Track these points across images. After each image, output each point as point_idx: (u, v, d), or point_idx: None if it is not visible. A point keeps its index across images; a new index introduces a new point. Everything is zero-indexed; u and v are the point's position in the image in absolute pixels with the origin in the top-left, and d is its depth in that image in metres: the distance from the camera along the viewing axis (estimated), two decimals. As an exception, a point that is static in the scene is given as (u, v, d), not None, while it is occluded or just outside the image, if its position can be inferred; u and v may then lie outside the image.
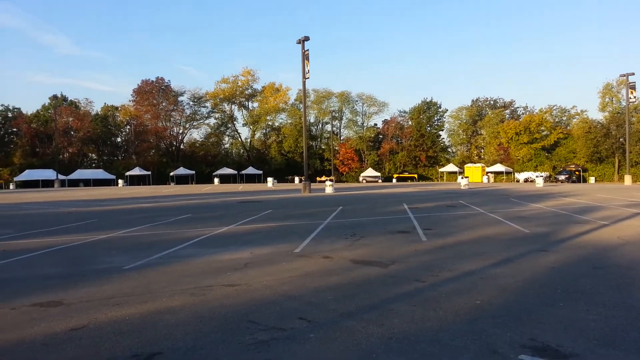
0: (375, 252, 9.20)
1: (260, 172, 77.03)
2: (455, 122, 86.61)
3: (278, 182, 63.44)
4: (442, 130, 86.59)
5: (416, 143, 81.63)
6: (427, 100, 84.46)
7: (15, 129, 76.46)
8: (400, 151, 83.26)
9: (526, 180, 61.32)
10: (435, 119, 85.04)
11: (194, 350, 4.22)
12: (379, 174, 74.83)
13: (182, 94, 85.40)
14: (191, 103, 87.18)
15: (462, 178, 43.96)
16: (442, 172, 77.83)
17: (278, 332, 4.65)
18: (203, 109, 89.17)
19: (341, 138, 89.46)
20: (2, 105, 77.21)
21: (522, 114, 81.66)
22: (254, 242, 10.70)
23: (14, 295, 6.27)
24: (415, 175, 76.29)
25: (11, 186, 64.22)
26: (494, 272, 7.37)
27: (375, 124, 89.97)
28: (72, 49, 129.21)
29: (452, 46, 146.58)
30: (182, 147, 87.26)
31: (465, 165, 71.90)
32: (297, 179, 70.74)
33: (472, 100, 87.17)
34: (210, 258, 8.79)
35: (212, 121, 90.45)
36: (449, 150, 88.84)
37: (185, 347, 4.28)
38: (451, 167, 76.32)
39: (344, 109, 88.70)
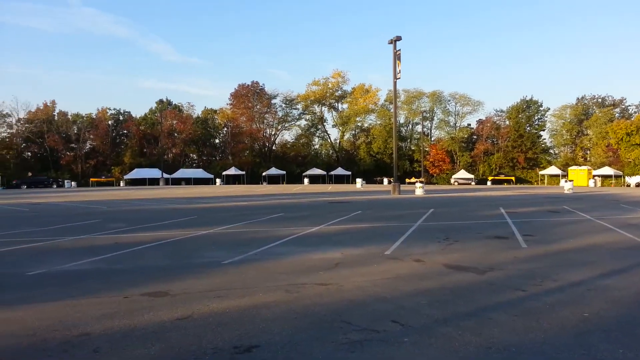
0: (470, 257, 8.86)
1: (349, 173, 77.43)
2: (558, 122, 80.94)
3: (367, 183, 63.34)
4: (543, 130, 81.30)
5: (514, 144, 77.44)
6: (527, 99, 79.81)
7: (125, 131, 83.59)
8: (495, 152, 79.52)
9: (638, 185, 55.83)
10: (536, 118, 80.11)
11: (290, 345, 4.33)
12: (472, 176, 72.08)
13: (275, 97, 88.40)
14: (283, 105, 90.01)
15: (565, 181, 41.02)
16: (543, 175, 73.12)
17: (371, 334, 4.63)
18: (294, 111, 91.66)
19: (432, 139, 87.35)
20: (114, 109, 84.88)
21: (635, 112, 74.45)
22: (344, 242, 10.76)
23: (126, 285, 6.83)
24: (513, 178, 72.46)
25: (121, 183, 70.28)
26: (603, 283, 6.78)
27: (469, 124, 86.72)
28: (177, 57, 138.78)
29: (555, 42, 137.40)
30: (274, 148, 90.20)
31: (569, 168, 66.94)
32: (386, 180, 70.16)
33: (578, 99, 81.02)
34: (303, 257, 8.98)
35: (302, 123, 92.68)
36: (551, 151, 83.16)
37: (282, 342, 4.40)
38: (553, 170, 71.42)
39: (435, 109, 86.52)
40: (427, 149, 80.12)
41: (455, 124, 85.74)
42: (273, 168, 77.44)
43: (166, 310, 5.45)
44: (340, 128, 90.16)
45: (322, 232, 12.57)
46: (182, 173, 74.39)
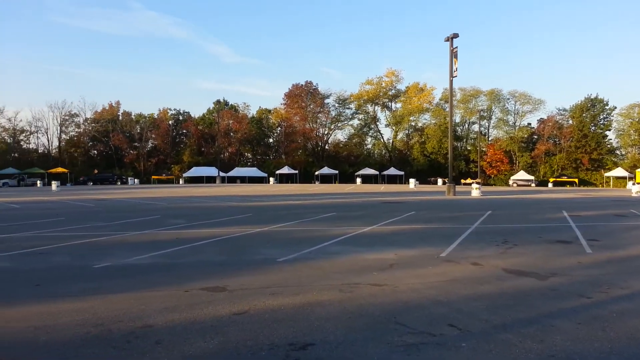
0: (530, 262, 8.52)
1: (402, 173, 76.57)
2: (625, 121, 76.25)
3: (420, 183, 62.39)
4: (609, 130, 76.88)
5: (577, 144, 73.83)
6: (592, 97, 75.85)
7: (185, 131, 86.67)
8: (557, 153, 76.14)
9: None
10: (601, 117, 75.98)
11: (344, 345, 4.33)
12: (532, 178, 69.38)
13: (328, 97, 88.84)
14: (336, 105, 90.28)
15: (633, 184, 38.68)
16: (608, 177, 69.28)
17: (427, 337, 4.55)
18: (347, 111, 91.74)
19: (489, 138, 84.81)
20: (175, 109, 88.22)
21: None
22: (398, 243, 10.65)
23: (187, 279, 7.07)
24: (576, 180, 69.14)
25: (181, 181, 72.88)
26: (680, 294, 6.33)
27: (529, 124, 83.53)
28: (234, 58, 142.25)
29: (622, 39, 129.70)
30: (326, 147, 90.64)
31: (637, 170, 63.01)
32: (440, 180, 68.80)
33: (647, 97, 76.04)
34: (356, 256, 8.96)
35: (355, 122, 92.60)
36: (617, 152, 78.57)
37: (337, 341, 4.41)
38: (619, 172, 67.49)
39: (493, 107, 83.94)
40: (484, 149, 77.87)
41: (514, 123, 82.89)
42: (325, 167, 77.82)
43: (224, 305, 5.60)
44: (394, 127, 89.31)
45: (375, 232, 12.50)
46: (237, 171, 76.20)
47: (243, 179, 74.41)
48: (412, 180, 52.60)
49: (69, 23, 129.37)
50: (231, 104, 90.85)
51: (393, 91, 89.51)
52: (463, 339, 4.55)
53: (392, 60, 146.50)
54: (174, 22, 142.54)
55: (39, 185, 61.65)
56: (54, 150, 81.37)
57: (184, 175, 74.65)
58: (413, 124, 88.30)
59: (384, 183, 73.24)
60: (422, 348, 4.27)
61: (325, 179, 76.23)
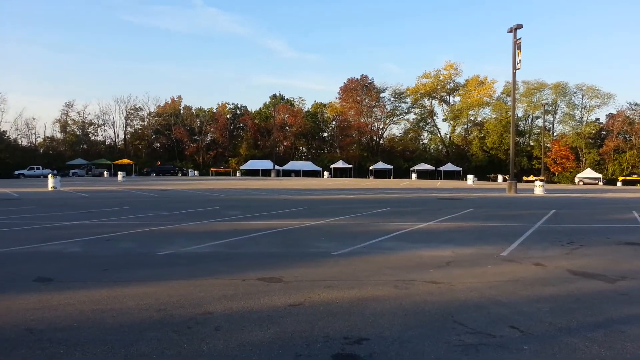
0: (597, 264, 8.07)
1: (460, 169, 74.68)
2: None
3: (478, 180, 60.63)
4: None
5: (650, 141, 69.20)
6: (668, 90, 70.70)
7: (242, 124, 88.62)
8: (628, 150, 71.64)
9: None
10: (678, 112, 70.75)
11: (400, 341, 4.27)
12: (599, 176, 65.68)
13: (383, 91, 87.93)
14: (392, 99, 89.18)
15: None
16: (686, 176, 64.49)
17: (487, 338, 4.41)
18: (403, 105, 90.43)
19: (554, 134, 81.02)
20: (232, 103, 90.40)
21: None
22: (455, 240, 10.39)
23: (244, 269, 7.23)
24: (647, 179, 64.87)
25: (237, 174, 74.65)
26: None
27: (597, 119, 79.02)
28: (290, 53, 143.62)
29: None
30: (381, 142, 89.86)
31: None
32: (500, 177, 66.54)
33: None
34: (411, 253, 8.83)
35: (411, 116, 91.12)
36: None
37: (392, 337, 4.36)
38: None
39: (558, 101, 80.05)
40: (548, 145, 74.53)
41: (581, 118, 78.71)
42: (380, 162, 77.21)
43: (280, 296, 5.68)
44: (451, 122, 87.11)
45: (431, 229, 12.27)
46: (292, 165, 77.08)
47: (297, 173, 75.16)
48: (470, 177, 51.17)
49: (135, 20, 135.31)
50: (287, 98, 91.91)
51: (451, 84, 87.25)
52: (525, 341, 4.37)
53: (451, 52, 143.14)
54: (233, 18, 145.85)
55: (105, 175, 65.12)
56: (119, 143, 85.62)
57: (241, 168, 76.38)
58: (472, 118, 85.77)
59: (440, 179, 71.74)
60: (481, 349, 4.15)
61: (380, 174, 75.61)
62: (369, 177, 72.61)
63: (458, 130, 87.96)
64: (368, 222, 13.34)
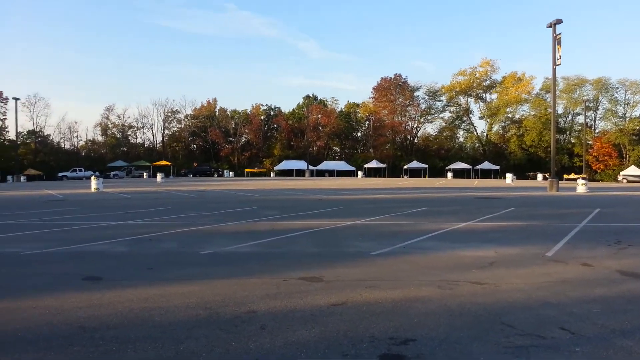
0: (651, 264, 7.73)
1: (497, 167, 73.06)
2: None
3: (517, 178, 59.12)
4: None
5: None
6: None
7: (275, 125, 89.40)
8: (676, 146, 68.50)
9: None
10: None
11: (447, 342, 4.20)
12: (644, 173, 63.02)
13: (417, 89, 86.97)
14: (426, 97, 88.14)
15: None
16: None
17: (537, 340, 4.28)
18: (438, 103, 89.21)
19: (596, 131, 78.25)
20: (266, 105, 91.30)
21: None
22: (497, 240, 10.16)
23: (284, 268, 7.27)
24: (697, 176, 61.79)
25: (272, 174, 75.35)
26: None
27: (642, 114, 75.78)
28: (322, 54, 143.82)
29: None
30: (416, 141, 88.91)
31: None
32: (539, 175, 64.71)
33: None
34: (453, 253, 8.68)
35: (446, 115, 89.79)
36: None
37: (439, 338, 4.29)
38: None
39: (600, 97, 77.28)
40: (589, 142, 72.03)
41: (624, 114, 75.70)
42: (415, 161, 76.40)
43: (322, 296, 5.68)
44: (488, 120, 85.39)
45: (471, 229, 12.04)
46: (325, 165, 77.21)
47: (331, 173, 75.22)
48: (508, 175, 49.94)
49: (171, 25, 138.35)
50: (320, 99, 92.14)
51: (488, 82, 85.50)
52: (577, 343, 4.23)
53: (487, 49, 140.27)
54: (265, 21, 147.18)
55: (145, 177, 66.90)
56: (158, 145, 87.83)
57: (275, 168, 77.04)
58: (510, 115, 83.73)
59: (477, 178, 70.37)
60: (532, 351, 4.03)
61: (414, 173, 74.79)
62: (403, 177, 71.95)
63: (495, 128, 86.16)
64: (405, 222, 13.20)
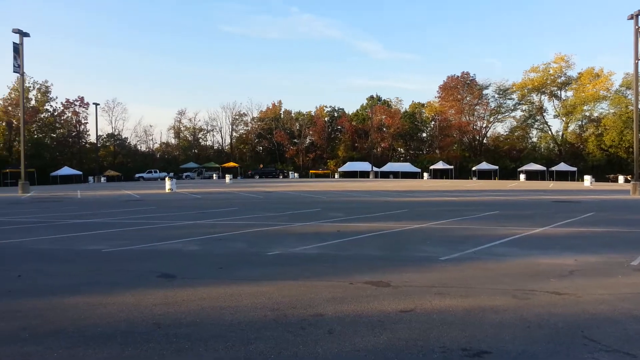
0: None
1: (574, 169, 69.00)
2: None
3: (596, 181, 55.53)
4: None
5: None
6: None
7: (339, 127, 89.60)
8: None
9: None
10: None
11: (524, 356, 3.97)
12: None
13: (486, 87, 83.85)
14: (496, 96, 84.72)
15: None
16: None
17: (625, 357, 3.95)
18: (509, 101, 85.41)
19: (686, 129, 71.92)
20: (330, 106, 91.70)
21: None
22: (576, 247, 9.55)
23: (351, 271, 7.22)
24: None
25: (336, 175, 75.60)
26: None
27: None
28: (386, 54, 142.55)
29: None
30: (485, 141, 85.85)
31: None
32: (621, 178, 60.40)
33: None
34: (528, 260, 8.25)
35: (518, 114, 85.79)
36: None
37: (515, 351, 4.06)
38: None
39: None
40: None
41: None
42: (484, 162, 73.77)
43: (389, 301, 5.57)
44: (564, 118, 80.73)
45: (547, 234, 11.40)
46: (390, 166, 76.38)
47: (396, 174, 74.30)
48: (587, 177, 47.04)
49: (236, 31, 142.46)
50: (384, 99, 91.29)
51: (563, 78, 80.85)
52: (674, 365, 3.85)
53: (561, 44, 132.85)
54: (329, 22, 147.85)
55: (214, 178, 69.40)
56: (226, 147, 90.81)
57: (339, 169, 77.21)
58: (587, 114, 78.71)
59: (552, 180, 66.85)
60: (621, 370, 3.72)
61: (484, 175, 72.24)
62: (471, 178, 69.73)
63: (571, 127, 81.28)
64: (476, 226, 12.74)
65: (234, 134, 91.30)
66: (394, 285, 6.34)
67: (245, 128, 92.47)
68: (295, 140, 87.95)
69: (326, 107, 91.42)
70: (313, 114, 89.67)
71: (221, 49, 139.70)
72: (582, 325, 4.76)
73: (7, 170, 60.70)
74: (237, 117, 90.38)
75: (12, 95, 69.04)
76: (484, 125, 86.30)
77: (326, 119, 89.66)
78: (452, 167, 74.00)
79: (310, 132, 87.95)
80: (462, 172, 75.14)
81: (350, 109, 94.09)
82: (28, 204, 22.80)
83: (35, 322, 4.83)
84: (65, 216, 16.22)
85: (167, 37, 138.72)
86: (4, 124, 70.08)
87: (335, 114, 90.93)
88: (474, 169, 72.85)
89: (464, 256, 8.51)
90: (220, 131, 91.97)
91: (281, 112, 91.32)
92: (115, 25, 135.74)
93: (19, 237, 11.10)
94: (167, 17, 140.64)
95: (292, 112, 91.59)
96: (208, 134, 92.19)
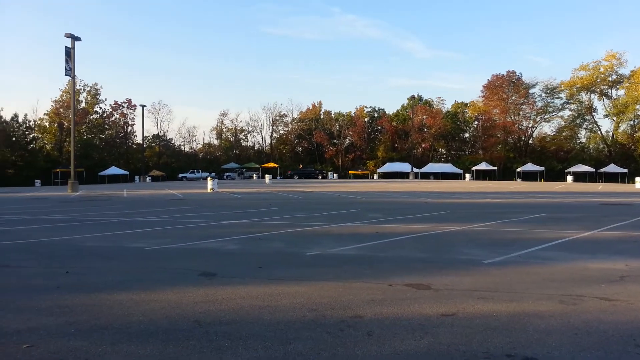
0: None
1: (625, 170, 65.92)
2: None
3: (650, 182, 52.81)
4: None
5: None
6: None
7: (379, 127, 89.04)
8: None
9: None
10: None
11: (573, 365, 3.80)
12: None
13: (533, 86, 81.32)
14: (543, 95, 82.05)
15: None
16: None
17: (685, 371, 3.71)
18: (556, 101, 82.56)
19: None
20: (370, 107, 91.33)
21: None
22: (628, 252, 9.10)
23: (389, 273, 7.12)
24: None
25: (375, 176, 75.15)
26: None
27: None
28: (427, 53, 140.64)
29: None
30: (530, 141, 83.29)
31: None
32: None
33: None
34: (575, 264, 7.91)
35: (566, 113, 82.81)
36: None
37: (562, 359, 3.89)
38: None
39: None
40: None
41: None
42: (529, 164, 71.59)
43: (430, 304, 5.45)
44: (614, 118, 77.30)
45: (596, 238, 10.92)
46: (430, 167, 75.29)
47: (437, 175, 73.12)
48: (638, 179, 44.81)
49: (277, 32, 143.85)
50: (425, 99, 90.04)
51: (614, 76, 77.40)
52: None
53: (611, 41, 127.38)
54: (370, 22, 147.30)
55: (254, 178, 70.42)
56: (266, 147, 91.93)
57: (378, 170, 76.73)
58: (640, 113, 75.15)
59: (602, 182, 64.11)
60: (680, 384, 3.50)
61: (529, 176, 70.05)
62: (516, 180, 67.79)
63: (623, 127, 77.67)
64: (521, 229, 12.35)
65: (274, 134, 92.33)
66: (435, 288, 6.21)
67: (285, 129, 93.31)
68: (334, 140, 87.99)
69: (366, 107, 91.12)
70: (353, 115, 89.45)
71: (263, 50, 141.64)
72: (634, 334, 4.52)
73: (58, 170, 63.61)
74: (277, 117, 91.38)
75: (64, 98, 72.32)
76: (530, 125, 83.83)
77: (366, 119, 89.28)
78: (495, 168, 72.20)
79: (350, 133, 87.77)
80: (506, 173, 73.18)
81: (391, 109, 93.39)
82: (77, 203, 23.76)
83: (82, 317, 5.00)
84: (112, 214, 16.81)
85: (210, 39, 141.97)
86: (55, 125, 73.52)
87: (375, 115, 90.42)
88: (518, 170, 70.81)
89: (508, 260, 8.26)
90: (261, 132, 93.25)
91: (321, 112, 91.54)
92: (160, 27, 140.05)
93: (68, 235, 11.56)
94: (210, 19, 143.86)
95: (332, 113, 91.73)
96: (249, 134, 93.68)
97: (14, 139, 67.89)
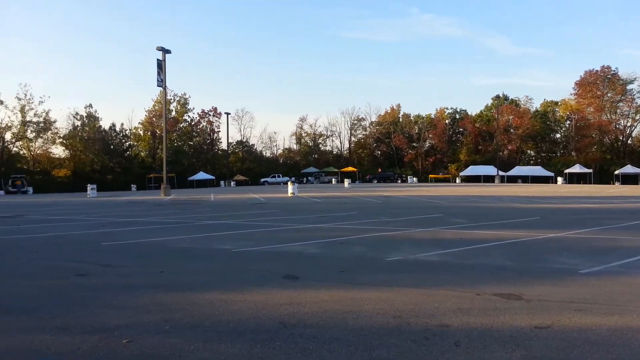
0: None
1: None
2: None
3: None
4: None
5: None
6: None
7: (461, 129, 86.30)
8: None
9: None
10: None
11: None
12: None
13: (631, 82, 75.01)
14: (644, 91, 75.31)
15: None
16: None
17: None
18: (659, 97, 75.45)
19: None
20: (451, 108, 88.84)
21: None
22: None
23: (476, 281, 6.84)
24: None
25: (457, 180, 72.85)
26: None
27: None
28: (512, 50, 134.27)
29: None
30: (629, 142, 76.75)
31: None
32: None
33: None
34: (689, 277, 7.15)
35: (672, 110, 75.46)
36: None
37: (678, 384, 3.52)
38: None
39: None
40: None
41: None
42: (628, 166, 65.95)
43: (522, 316, 5.17)
44: None
45: None
46: (518, 170, 71.76)
47: (525, 179, 69.47)
48: None
49: (353, 36, 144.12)
50: (511, 99, 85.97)
51: None
52: None
53: None
54: (450, 21, 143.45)
55: (333, 182, 70.95)
56: (345, 152, 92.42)
57: (461, 174, 74.33)
58: None
59: None
60: None
61: (628, 180, 64.52)
62: (613, 183, 62.72)
63: None
64: (622, 237, 11.38)
65: (353, 138, 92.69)
66: (527, 299, 5.88)
67: (363, 133, 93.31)
68: (414, 144, 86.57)
69: (447, 109, 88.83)
70: (433, 117, 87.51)
71: (340, 54, 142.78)
72: None
73: (151, 175, 68.22)
74: (355, 121, 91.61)
75: (156, 107, 77.45)
76: (629, 124, 77.34)
77: (447, 121, 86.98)
78: (590, 170, 67.31)
79: (430, 136, 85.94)
80: (602, 176, 67.97)
81: (473, 110, 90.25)
82: (169, 206, 25.28)
83: (176, 315, 5.28)
84: (201, 217, 17.68)
85: (289, 44, 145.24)
86: (149, 133, 78.89)
87: (457, 116, 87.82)
88: (616, 172, 65.45)
89: (608, 269, 7.64)
90: (339, 136, 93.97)
91: (400, 115, 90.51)
92: (242, 32, 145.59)
93: (162, 236, 12.31)
94: (289, 24, 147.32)
95: (411, 115, 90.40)
96: (327, 139, 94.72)
97: (112, 146, 73.86)
